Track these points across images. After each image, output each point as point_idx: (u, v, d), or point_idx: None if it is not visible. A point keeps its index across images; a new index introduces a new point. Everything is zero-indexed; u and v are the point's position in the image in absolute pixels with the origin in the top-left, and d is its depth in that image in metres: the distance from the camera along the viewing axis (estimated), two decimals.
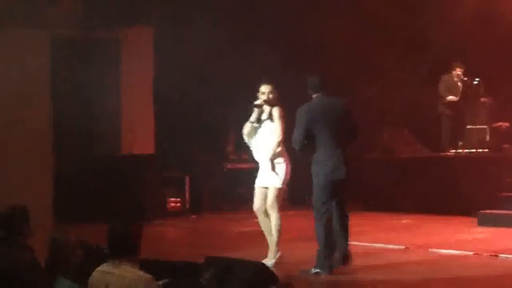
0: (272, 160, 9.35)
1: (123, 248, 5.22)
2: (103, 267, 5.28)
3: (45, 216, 13.20)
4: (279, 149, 9.37)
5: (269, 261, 9.15)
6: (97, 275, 5.29)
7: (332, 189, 8.86)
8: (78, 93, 15.26)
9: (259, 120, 9.54)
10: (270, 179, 9.39)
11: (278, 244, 9.35)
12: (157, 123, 15.59)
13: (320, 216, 8.87)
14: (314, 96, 9.03)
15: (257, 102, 9.51)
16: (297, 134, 8.87)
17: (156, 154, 15.33)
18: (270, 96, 9.46)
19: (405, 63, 16.02)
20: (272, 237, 9.40)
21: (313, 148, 8.90)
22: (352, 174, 9.07)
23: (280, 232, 9.35)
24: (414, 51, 16.13)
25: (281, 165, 9.39)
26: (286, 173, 9.40)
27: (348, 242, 9.03)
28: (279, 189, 9.37)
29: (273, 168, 9.34)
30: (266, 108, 9.49)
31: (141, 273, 5.16)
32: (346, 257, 8.97)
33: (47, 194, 13.93)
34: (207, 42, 15.67)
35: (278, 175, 9.36)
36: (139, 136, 15.37)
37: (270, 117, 9.44)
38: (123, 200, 13.76)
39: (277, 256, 9.32)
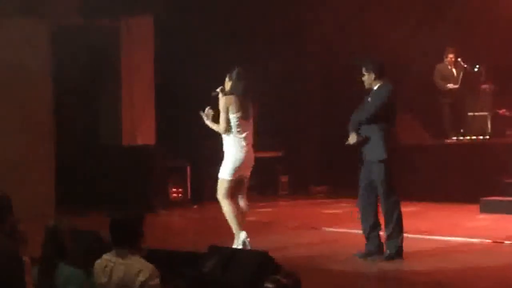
0: (224, 150, 9.42)
1: (125, 238, 5.30)
2: (108, 255, 5.35)
3: (47, 206, 13.17)
4: (228, 139, 9.37)
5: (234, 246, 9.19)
6: (102, 262, 5.37)
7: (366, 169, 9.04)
8: (78, 83, 15.20)
9: None
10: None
11: (237, 230, 9.27)
12: (158, 112, 15.53)
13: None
14: (379, 81, 8.93)
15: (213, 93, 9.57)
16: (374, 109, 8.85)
17: (157, 143, 15.28)
18: (225, 86, 9.46)
19: (411, 46, 15.89)
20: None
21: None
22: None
23: (232, 220, 9.30)
24: (419, 36, 16.01)
25: (228, 155, 9.38)
26: (237, 168, 9.35)
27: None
28: (223, 179, 9.36)
29: (223, 158, 9.42)
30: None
31: (145, 262, 5.20)
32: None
33: (48, 184, 13.88)
34: (208, 30, 15.62)
35: (222, 166, 9.40)
36: (140, 126, 15.32)
37: None
38: (125, 190, 13.74)
39: (240, 242, 9.20)
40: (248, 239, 9.22)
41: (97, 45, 14.87)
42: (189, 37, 15.63)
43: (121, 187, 13.93)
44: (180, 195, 15.41)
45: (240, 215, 9.42)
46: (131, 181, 14.15)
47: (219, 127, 9.41)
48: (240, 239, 9.22)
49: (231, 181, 9.35)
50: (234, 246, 9.08)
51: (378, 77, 8.90)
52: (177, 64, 15.35)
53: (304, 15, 16.56)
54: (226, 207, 9.37)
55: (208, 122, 9.56)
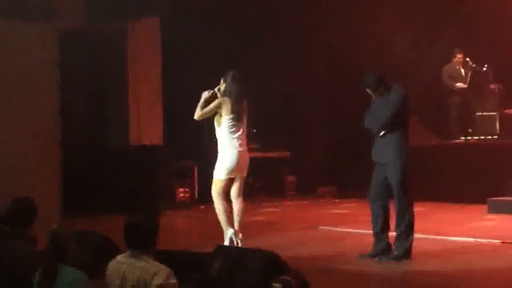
0: (218, 150, 9.61)
1: (142, 241, 5.23)
2: (122, 257, 5.28)
3: (53, 209, 13.16)
4: (222, 140, 9.53)
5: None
6: (115, 263, 5.29)
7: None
8: (85, 85, 15.19)
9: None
10: None
11: (226, 226, 9.46)
12: (165, 113, 15.53)
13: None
14: (389, 90, 8.90)
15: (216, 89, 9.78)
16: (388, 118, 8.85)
17: (164, 144, 15.28)
18: (220, 88, 9.65)
19: (418, 49, 15.86)
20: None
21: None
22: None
23: (222, 217, 9.49)
24: (425, 38, 15.99)
25: (222, 156, 9.54)
26: (231, 168, 9.49)
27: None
28: (216, 179, 9.55)
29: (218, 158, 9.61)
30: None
31: (160, 265, 5.14)
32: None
33: (54, 187, 13.87)
34: (215, 32, 15.62)
35: (217, 166, 9.57)
36: (147, 127, 15.31)
37: None
38: (132, 191, 13.73)
39: (227, 238, 9.37)
40: (241, 236, 9.44)
41: (103, 47, 14.88)
42: (196, 38, 15.63)
43: (128, 188, 13.93)
44: (187, 195, 15.43)
45: (233, 214, 9.60)
46: (138, 182, 14.15)
47: (198, 111, 9.65)
48: (227, 236, 9.41)
49: (224, 180, 9.55)
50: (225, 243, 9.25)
51: (386, 89, 8.90)
52: (184, 66, 15.34)
53: (311, 18, 16.54)
54: (218, 204, 9.55)
55: (201, 101, 9.71)
